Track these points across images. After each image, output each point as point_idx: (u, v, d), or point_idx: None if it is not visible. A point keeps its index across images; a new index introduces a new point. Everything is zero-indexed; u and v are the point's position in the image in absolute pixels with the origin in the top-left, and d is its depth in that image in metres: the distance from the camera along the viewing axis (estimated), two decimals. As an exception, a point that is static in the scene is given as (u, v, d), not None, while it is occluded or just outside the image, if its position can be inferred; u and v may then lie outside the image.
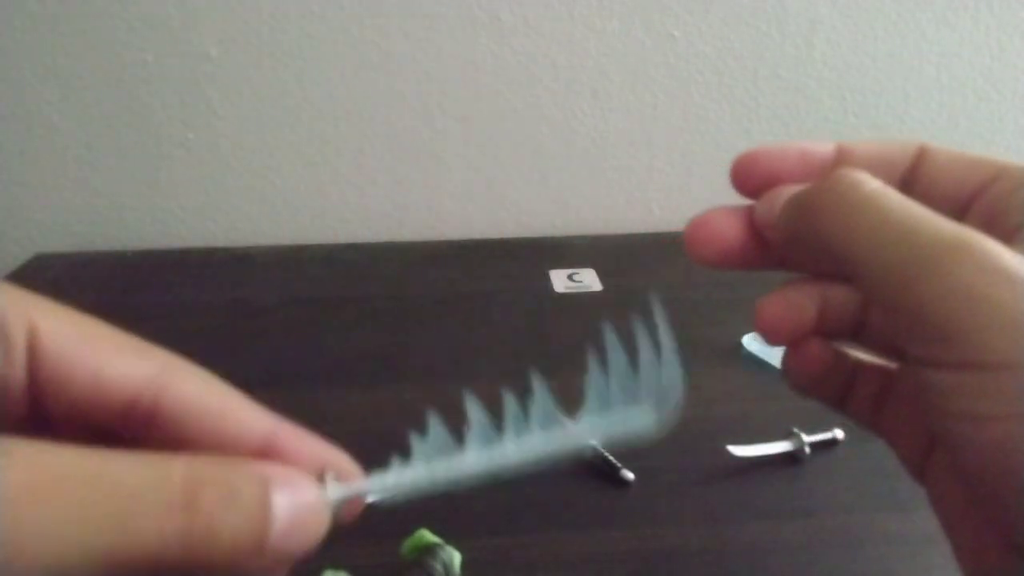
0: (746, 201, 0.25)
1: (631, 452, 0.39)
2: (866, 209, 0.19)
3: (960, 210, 0.21)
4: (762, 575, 0.32)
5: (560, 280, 0.60)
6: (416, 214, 0.71)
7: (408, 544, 0.31)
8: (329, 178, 0.69)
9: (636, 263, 0.64)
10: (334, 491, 0.20)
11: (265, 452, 0.19)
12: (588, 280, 0.60)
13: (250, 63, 0.64)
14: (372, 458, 0.39)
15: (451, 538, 0.31)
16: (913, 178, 0.22)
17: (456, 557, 0.30)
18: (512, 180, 0.70)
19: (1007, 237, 0.19)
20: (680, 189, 0.72)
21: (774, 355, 0.47)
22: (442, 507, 0.36)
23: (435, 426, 0.20)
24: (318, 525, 0.18)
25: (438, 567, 0.29)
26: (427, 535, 0.31)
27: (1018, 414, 0.17)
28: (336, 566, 0.30)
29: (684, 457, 0.39)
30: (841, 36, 0.67)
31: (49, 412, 0.18)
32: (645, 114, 0.69)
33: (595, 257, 0.64)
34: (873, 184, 0.19)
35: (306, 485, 0.18)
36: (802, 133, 0.70)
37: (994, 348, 0.17)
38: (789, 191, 0.23)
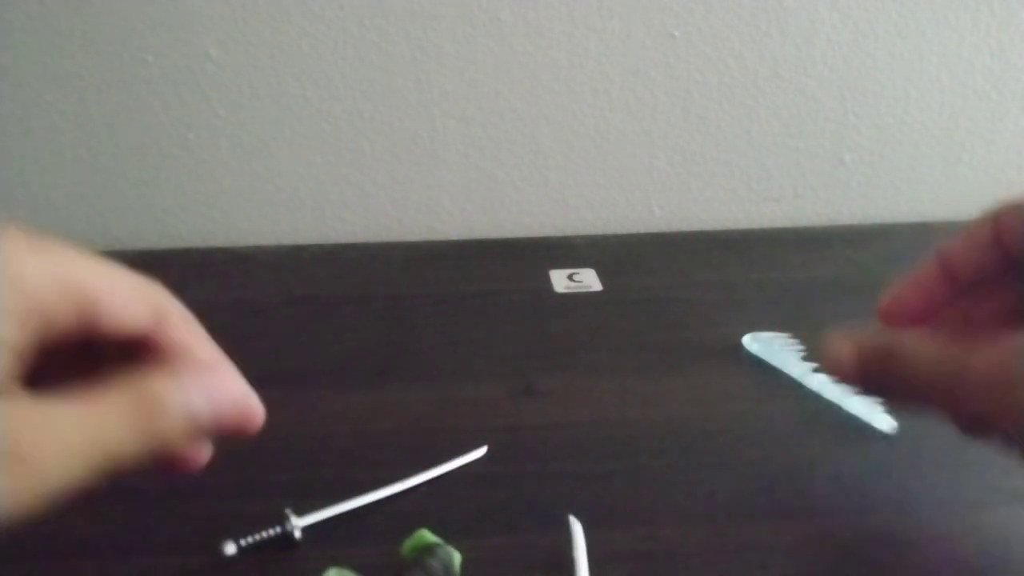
0: None
1: (629, 451, 0.40)
2: None
3: None
4: (762, 575, 0.32)
5: (560, 280, 0.60)
6: (416, 214, 0.71)
7: (408, 544, 0.31)
8: (329, 178, 0.69)
9: (636, 263, 0.64)
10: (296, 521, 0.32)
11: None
12: (588, 280, 0.60)
13: (250, 63, 0.64)
14: (372, 458, 0.39)
15: (451, 538, 0.31)
16: None
17: (456, 557, 0.30)
18: (512, 180, 0.70)
19: None
20: (680, 189, 0.72)
21: (774, 355, 0.47)
22: (442, 507, 0.36)
23: None
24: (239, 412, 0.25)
25: (438, 567, 0.29)
26: (427, 535, 0.31)
27: None
28: (339, 565, 0.30)
29: (685, 457, 0.39)
30: (841, 36, 0.67)
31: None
32: (645, 114, 0.69)
33: (595, 257, 0.64)
34: None
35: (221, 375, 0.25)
36: (802, 133, 0.70)
37: None
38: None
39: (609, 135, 0.69)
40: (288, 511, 0.33)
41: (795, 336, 0.49)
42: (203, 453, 0.26)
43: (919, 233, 0.70)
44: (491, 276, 0.61)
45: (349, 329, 0.53)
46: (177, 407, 0.22)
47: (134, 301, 0.24)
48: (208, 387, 0.23)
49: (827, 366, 0.32)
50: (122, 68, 0.64)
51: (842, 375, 0.31)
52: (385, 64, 0.65)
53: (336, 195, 0.70)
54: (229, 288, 0.60)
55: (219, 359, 0.26)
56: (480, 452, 0.34)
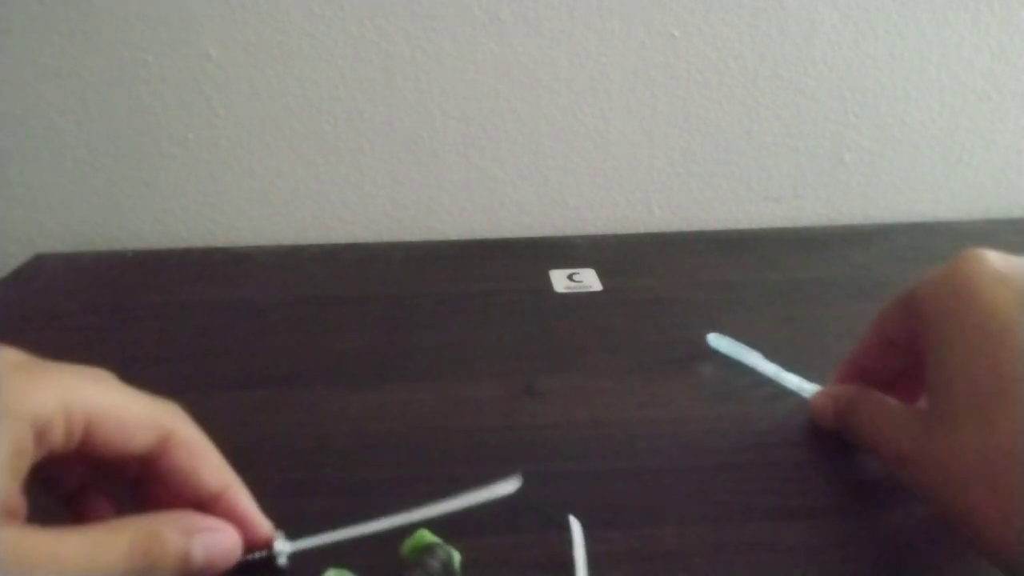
0: None
1: (629, 451, 0.40)
2: None
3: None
4: (762, 575, 0.32)
5: (560, 280, 0.60)
6: (416, 214, 0.71)
7: (408, 544, 0.31)
8: (329, 178, 0.69)
9: (636, 263, 0.64)
10: (282, 546, 0.30)
11: (214, 502, 0.29)
12: (588, 280, 0.60)
13: (250, 63, 0.64)
14: (371, 457, 0.39)
15: (451, 538, 0.31)
16: None
17: (456, 557, 0.30)
18: (512, 180, 0.70)
19: None
20: (680, 189, 0.72)
21: (742, 353, 0.47)
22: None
23: None
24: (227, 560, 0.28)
25: (438, 567, 0.29)
26: (427, 535, 0.31)
27: None
28: (339, 565, 0.30)
29: (685, 457, 0.39)
30: (841, 36, 0.67)
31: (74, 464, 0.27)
32: (645, 114, 0.69)
33: (595, 257, 0.64)
34: None
35: (222, 531, 0.28)
36: (802, 133, 0.70)
37: None
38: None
39: (609, 135, 0.69)
40: (278, 534, 0.31)
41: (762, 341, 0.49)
42: None
43: (919, 233, 0.70)
44: (491, 276, 0.61)
45: (349, 329, 0.53)
46: (175, 555, 0.25)
47: (138, 427, 0.26)
48: (209, 543, 0.27)
49: (813, 416, 0.40)
50: (122, 68, 0.64)
51: (825, 424, 0.39)
52: (385, 64, 0.65)
53: (336, 195, 0.70)
54: (229, 288, 0.60)
55: (225, 485, 0.29)
56: (514, 485, 0.33)
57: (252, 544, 0.29)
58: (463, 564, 0.31)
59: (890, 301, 0.35)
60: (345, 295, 0.58)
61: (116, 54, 0.63)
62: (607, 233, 0.71)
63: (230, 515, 0.28)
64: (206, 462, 0.28)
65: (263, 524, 0.30)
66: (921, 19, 0.67)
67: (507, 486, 0.32)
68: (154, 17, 0.62)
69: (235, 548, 0.28)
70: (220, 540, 0.27)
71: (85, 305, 0.57)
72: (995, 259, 0.30)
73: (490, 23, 0.64)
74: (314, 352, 0.50)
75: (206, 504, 0.28)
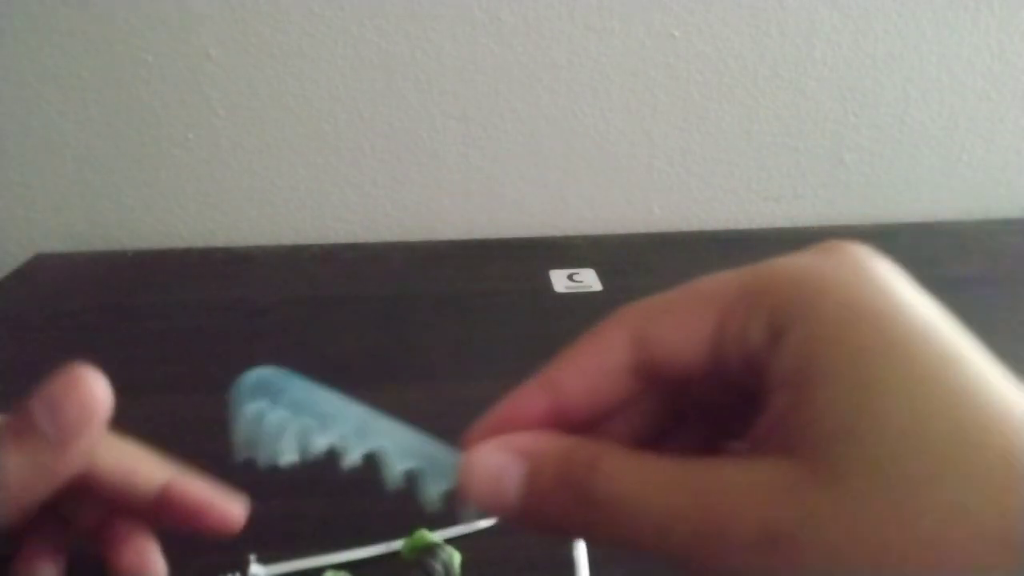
0: None
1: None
2: None
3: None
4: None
5: (560, 280, 0.60)
6: (416, 214, 0.71)
7: (408, 544, 0.31)
8: (329, 178, 0.69)
9: (636, 263, 0.64)
10: (256, 570, 0.30)
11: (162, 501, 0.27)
12: (588, 280, 0.60)
13: (250, 63, 0.64)
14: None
15: (451, 538, 0.31)
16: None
17: (456, 557, 0.30)
18: (512, 180, 0.70)
19: None
20: (680, 189, 0.72)
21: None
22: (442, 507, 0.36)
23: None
24: None
25: (438, 567, 0.29)
26: (427, 535, 0.31)
27: None
28: (337, 566, 0.30)
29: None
30: (841, 36, 0.67)
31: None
32: (645, 114, 0.69)
33: (595, 257, 0.64)
34: None
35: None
36: (802, 133, 0.70)
37: None
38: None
39: (609, 135, 0.69)
40: (252, 557, 0.31)
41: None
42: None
43: (919, 233, 0.70)
44: (491, 276, 0.61)
45: (349, 329, 0.53)
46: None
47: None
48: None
49: (475, 495, 0.19)
50: (122, 68, 0.64)
51: (502, 508, 0.19)
52: (385, 64, 0.65)
53: (336, 195, 0.70)
54: (229, 288, 0.60)
55: (167, 477, 0.27)
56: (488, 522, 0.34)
57: (224, 525, 0.27)
58: (463, 564, 0.31)
59: (675, 299, 0.20)
60: (345, 295, 0.58)
61: (116, 54, 0.63)
62: (607, 233, 0.71)
63: (185, 506, 0.26)
64: (137, 461, 0.27)
65: (226, 503, 0.27)
66: (921, 19, 0.67)
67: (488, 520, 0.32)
68: (154, 17, 0.62)
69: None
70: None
71: (85, 305, 0.57)
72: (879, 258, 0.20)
73: (490, 23, 0.64)
74: (314, 352, 0.50)
75: (155, 506, 0.26)
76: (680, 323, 0.19)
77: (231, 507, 0.27)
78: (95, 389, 0.24)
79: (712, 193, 0.72)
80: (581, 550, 0.32)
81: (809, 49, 0.67)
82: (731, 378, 0.19)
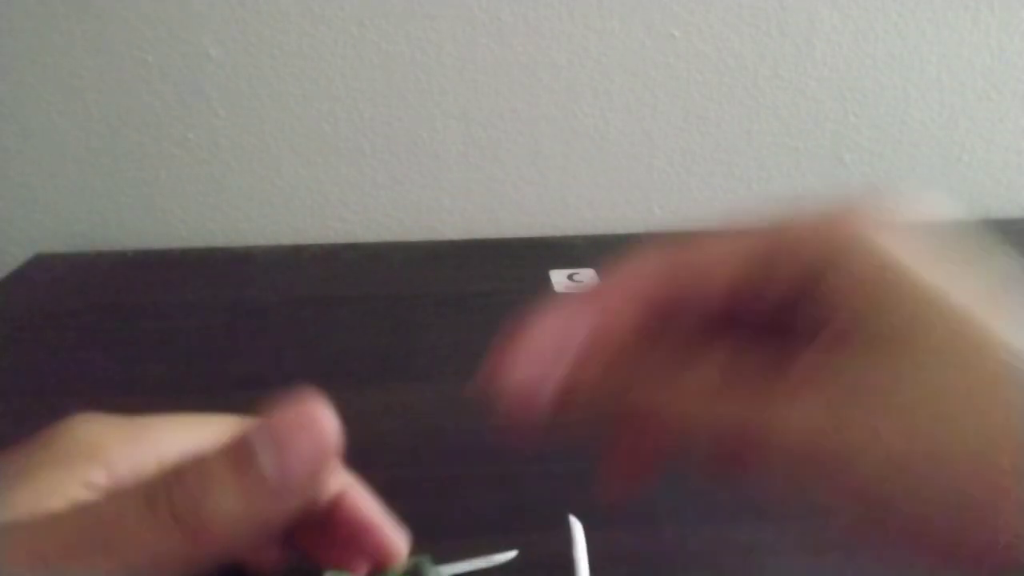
0: None
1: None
2: None
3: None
4: (762, 575, 0.32)
5: (560, 280, 0.60)
6: (416, 214, 0.71)
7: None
8: (329, 178, 0.69)
9: (636, 263, 0.64)
10: None
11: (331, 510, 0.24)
12: (588, 280, 0.60)
13: (250, 63, 0.64)
14: (371, 457, 0.38)
15: (451, 537, 0.31)
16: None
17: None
18: (512, 180, 0.70)
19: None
20: (680, 189, 0.72)
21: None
22: (442, 507, 0.36)
23: None
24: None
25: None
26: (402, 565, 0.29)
27: None
28: (339, 567, 0.30)
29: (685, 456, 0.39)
30: (841, 36, 0.67)
31: None
32: (645, 114, 0.69)
33: (595, 257, 0.64)
34: None
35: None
36: (802, 133, 0.70)
37: None
38: None
39: (609, 135, 0.69)
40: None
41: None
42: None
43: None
44: (491, 276, 0.61)
45: (349, 329, 0.53)
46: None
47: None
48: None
49: (508, 409, 0.21)
50: (122, 68, 0.64)
51: (530, 417, 0.21)
52: (385, 64, 0.65)
53: (336, 195, 0.70)
54: (229, 288, 0.60)
55: (346, 484, 0.26)
56: (509, 555, 0.33)
57: (384, 552, 0.24)
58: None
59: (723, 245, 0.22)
60: (345, 295, 0.58)
61: (116, 54, 0.63)
62: (607, 233, 0.71)
63: (354, 521, 0.25)
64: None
65: (393, 530, 0.24)
66: (921, 19, 0.67)
67: (504, 556, 0.32)
68: (154, 17, 0.62)
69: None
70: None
71: (85, 305, 0.57)
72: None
73: (490, 23, 0.64)
74: (314, 352, 0.50)
75: (323, 513, 0.24)
76: (710, 268, 0.21)
77: (396, 536, 0.24)
78: (329, 429, 0.20)
79: (712, 193, 0.72)
80: (581, 550, 0.32)
81: (809, 49, 0.67)
82: (755, 318, 0.21)
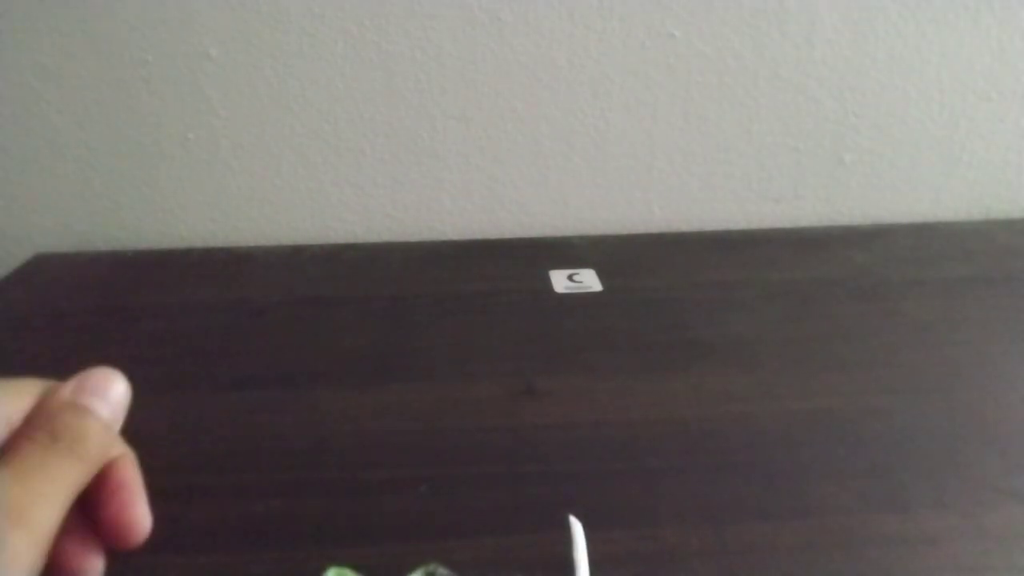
0: None
1: (629, 451, 0.39)
2: None
3: None
4: (762, 575, 0.32)
5: (560, 280, 0.60)
6: (416, 214, 0.71)
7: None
8: (329, 178, 0.69)
9: (636, 263, 0.64)
10: None
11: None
12: (588, 280, 0.60)
13: (250, 63, 0.64)
14: (372, 457, 0.38)
15: (452, 537, 0.31)
16: None
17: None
18: (512, 180, 0.70)
19: None
20: (680, 189, 0.72)
21: None
22: (443, 507, 0.36)
23: None
24: None
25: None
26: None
27: None
28: (339, 564, 0.30)
29: (685, 457, 0.39)
30: (841, 36, 0.67)
31: None
32: (645, 114, 0.69)
33: (595, 257, 0.64)
34: None
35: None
36: (802, 133, 0.70)
37: None
38: None
39: (609, 135, 0.69)
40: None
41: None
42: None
43: (919, 233, 0.70)
44: (491, 276, 0.61)
45: (349, 329, 0.53)
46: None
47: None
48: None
49: None
50: (122, 68, 0.64)
51: None
52: (385, 64, 0.65)
53: (336, 195, 0.70)
54: (229, 288, 0.60)
55: (121, 452, 0.26)
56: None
57: (125, 536, 0.23)
58: (464, 563, 0.31)
59: None
60: (345, 295, 0.58)
61: (116, 54, 0.63)
62: (607, 233, 0.71)
63: (121, 492, 0.24)
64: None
65: (145, 516, 0.24)
66: (921, 19, 0.67)
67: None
68: (154, 17, 0.62)
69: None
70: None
71: (85, 305, 0.57)
72: None
73: (490, 23, 0.64)
74: (314, 352, 0.50)
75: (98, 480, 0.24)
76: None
77: (145, 523, 0.24)
78: (124, 385, 0.25)
79: (712, 193, 0.72)
80: (581, 550, 0.31)
81: (809, 49, 0.67)
82: None
